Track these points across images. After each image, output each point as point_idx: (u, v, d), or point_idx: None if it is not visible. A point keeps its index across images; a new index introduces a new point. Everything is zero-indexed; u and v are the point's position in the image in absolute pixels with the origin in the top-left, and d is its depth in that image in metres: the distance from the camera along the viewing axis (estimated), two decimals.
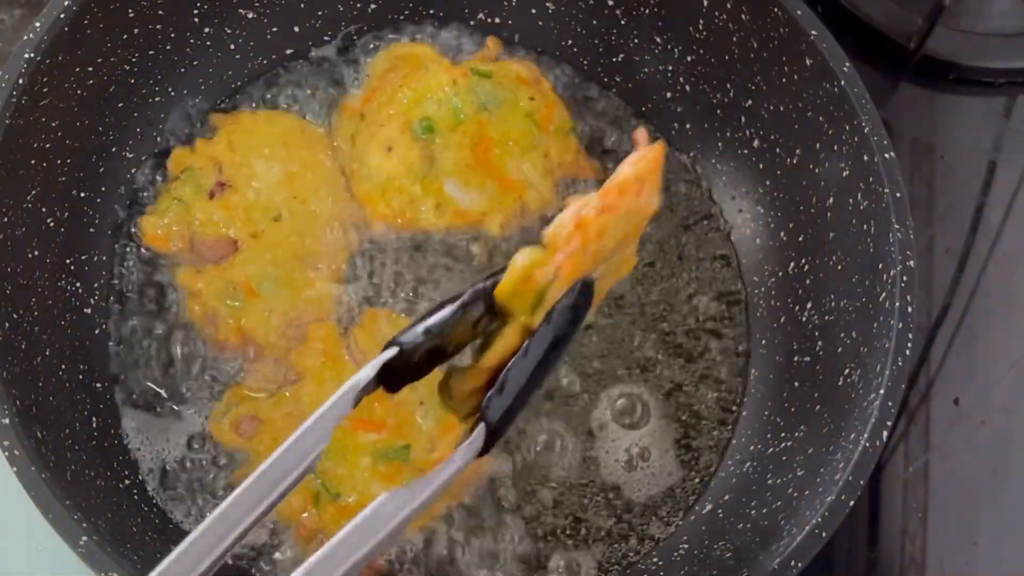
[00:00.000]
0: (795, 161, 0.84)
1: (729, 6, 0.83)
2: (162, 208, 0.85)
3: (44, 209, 0.77)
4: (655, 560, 0.79)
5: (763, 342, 0.86)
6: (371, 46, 0.94)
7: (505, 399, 0.56)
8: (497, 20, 0.94)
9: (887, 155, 0.75)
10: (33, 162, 0.76)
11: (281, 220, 0.85)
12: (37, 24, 0.74)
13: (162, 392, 0.81)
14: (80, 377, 0.78)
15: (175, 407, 0.81)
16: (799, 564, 0.66)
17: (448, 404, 0.59)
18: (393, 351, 0.55)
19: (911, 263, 0.73)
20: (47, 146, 0.77)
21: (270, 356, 0.82)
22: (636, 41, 0.92)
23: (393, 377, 0.56)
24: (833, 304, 0.80)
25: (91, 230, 0.83)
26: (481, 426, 0.55)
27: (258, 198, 0.85)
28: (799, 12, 0.78)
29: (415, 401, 0.79)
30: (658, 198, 0.60)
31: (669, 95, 0.92)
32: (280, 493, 0.52)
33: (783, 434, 0.79)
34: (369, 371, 0.54)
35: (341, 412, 0.53)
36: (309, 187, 0.87)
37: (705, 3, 0.84)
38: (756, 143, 0.87)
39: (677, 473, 0.82)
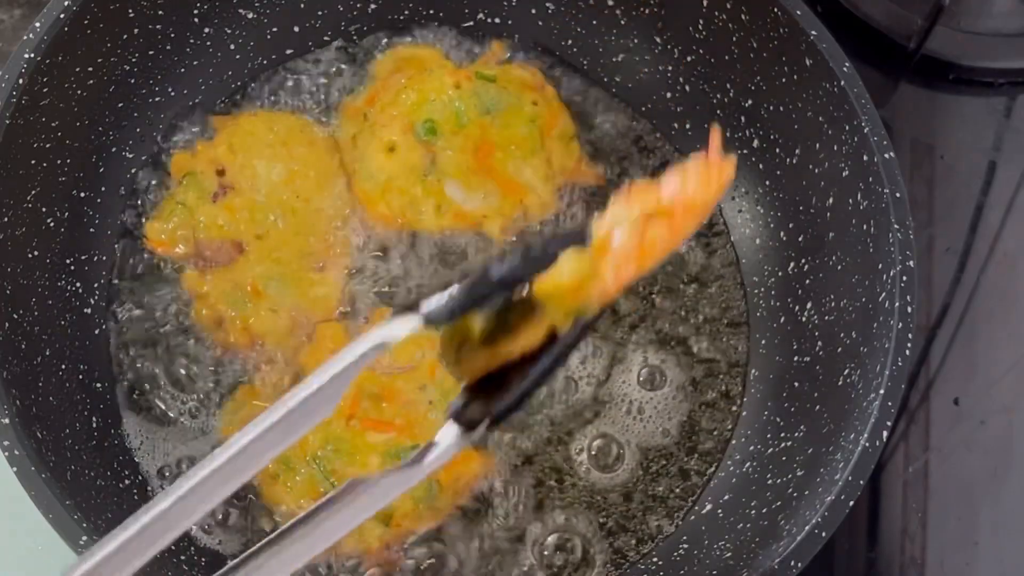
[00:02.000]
0: (795, 161, 0.84)
1: (729, 6, 0.83)
2: (166, 213, 0.85)
3: (44, 209, 0.78)
4: (655, 560, 0.79)
5: (763, 342, 0.86)
6: (371, 46, 0.94)
7: (512, 397, 0.54)
8: (497, 20, 0.94)
9: (887, 155, 0.75)
10: (33, 162, 0.76)
11: (285, 220, 0.85)
12: (37, 24, 0.74)
13: (163, 392, 0.81)
14: (80, 377, 0.78)
15: (177, 407, 0.81)
16: (799, 564, 0.66)
17: (448, 366, 0.57)
18: (416, 323, 0.51)
19: (911, 263, 0.73)
20: (47, 146, 0.77)
21: (279, 356, 0.82)
22: (636, 41, 0.92)
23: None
24: (833, 304, 0.80)
25: (91, 230, 0.83)
26: (485, 422, 0.53)
27: (261, 199, 0.85)
28: (799, 12, 0.78)
29: (424, 401, 0.79)
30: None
31: (669, 95, 0.92)
32: (275, 454, 0.47)
33: (783, 434, 0.79)
34: (389, 340, 0.50)
35: (354, 376, 0.49)
36: (312, 186, 0.87)
37: (705, 3, 0.84)
38: (756, 143, 0.87)
39: (677, 473, 0.82)
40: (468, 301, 0.52)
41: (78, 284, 0.81)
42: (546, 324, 0.54)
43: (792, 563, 0.66)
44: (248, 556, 0.47)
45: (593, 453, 0.82)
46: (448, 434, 0.53)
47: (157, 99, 0.87)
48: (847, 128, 0.77)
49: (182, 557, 0.74)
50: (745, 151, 0.88)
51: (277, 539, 0.48)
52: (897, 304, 0.72)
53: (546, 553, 0.79)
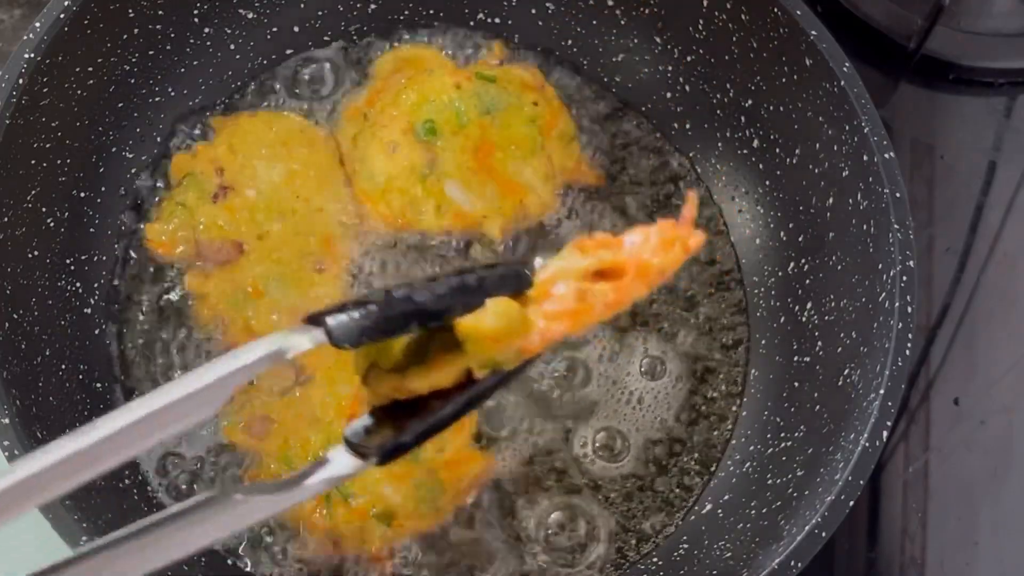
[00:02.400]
0: (795, 161, 0.84)
1: (729, 6, 0.83)
2: (166, 214, 0.85)
3: (44, 209, 0.78)
4: (655, 560, 0.79)
5: (763, 342, 0.86)
6: (372, 46, 0.94)
7: (408, 436, 0.50)
8: (497, 20, 0.94)
9: (887, 155, 0.75)
10: (33, 162, 0.76)
11: (285, 220, 0.85)
12: (37, 24, 0.74)
13: None
14: (80, 377, 0.78)
15: None
16: (799, 564, 0.66)
17: (359, 378, 0.53)
18: (320, 339, 0.46)
19: (911, 263, 0.73)
20: (47, 146, 0.77)
21: None
22: (636, 41, 0.92)
23: None
24: (833, 304, 0.80)
25: (91, 230, 0.83)
26: (373, 458, 0.50)
27: (261, 199, 0.85)
28: (799, 12, 0.78)
29: None
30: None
31: (669, 95, 0.92)
32: (133, 453, 0.42)
33: (783, 434, 0.79)
34: (287, 350, 0.45)
35: (241, 381, 0.44)
36: (312, 185, 0.87)
37: (705, 3, 0.84)
38: (756, 143, 0.87)
39: (677, 473, 0.82)
40: (380, 326, 0.47)
41: (78, 284, 0.81)
42: (461, 366, 0.50)
43: (792, 563, 0.66)
44: (86, 554, 0.43)
45: (595, 447, 0.82)
46: (338, 456, 0.49)
47: (157, 99, 0.87)
48: (847, 128, 0.77)
49: None
50: (745, 151, 0.88)
51: (125, 539, 0.43)
52: (897, 304, 0.72)
53: (546, 552, 0.79)
